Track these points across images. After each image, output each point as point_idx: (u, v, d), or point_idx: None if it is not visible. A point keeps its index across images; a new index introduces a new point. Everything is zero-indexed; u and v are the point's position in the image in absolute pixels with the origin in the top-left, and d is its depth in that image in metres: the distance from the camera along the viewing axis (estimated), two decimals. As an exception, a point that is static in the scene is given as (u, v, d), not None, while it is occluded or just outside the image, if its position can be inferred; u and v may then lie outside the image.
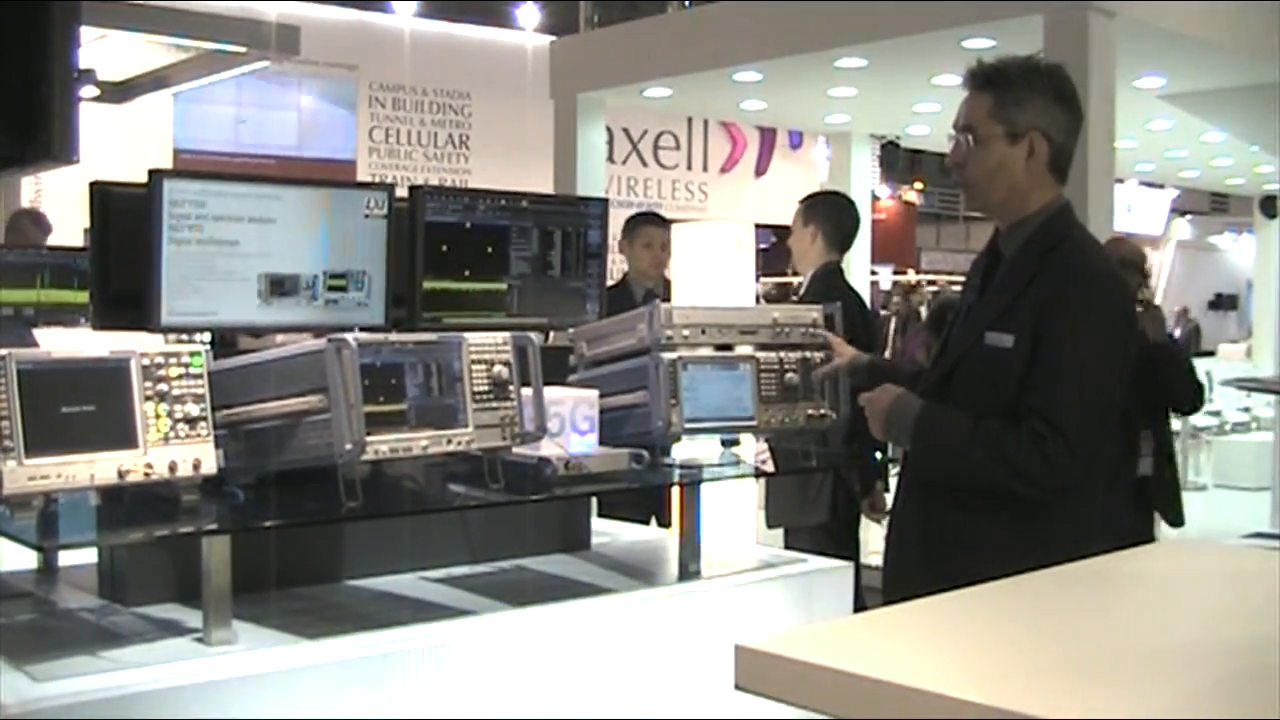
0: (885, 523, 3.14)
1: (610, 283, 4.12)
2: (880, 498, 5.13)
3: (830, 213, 5.12)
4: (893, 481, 4.20)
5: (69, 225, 7.27)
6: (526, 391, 2.77)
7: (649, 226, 5.89)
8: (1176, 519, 5.50)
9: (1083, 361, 2.62)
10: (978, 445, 2.64)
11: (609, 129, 13.07)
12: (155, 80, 11.75)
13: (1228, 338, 21.86)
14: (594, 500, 3.64)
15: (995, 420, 2.63)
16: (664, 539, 3.72)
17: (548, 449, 2.88)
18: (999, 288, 2.77)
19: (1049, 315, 2.63)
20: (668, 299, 6.18)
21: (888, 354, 10.74)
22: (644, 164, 19.43)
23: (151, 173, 2.82)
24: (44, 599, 2.88)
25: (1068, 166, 2.80)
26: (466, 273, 3.34)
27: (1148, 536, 5.06)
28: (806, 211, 5.12)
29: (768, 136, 20.06)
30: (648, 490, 4.38)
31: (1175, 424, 10.77)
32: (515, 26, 18.39)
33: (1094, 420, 2.66)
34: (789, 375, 3.24)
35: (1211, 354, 17.72)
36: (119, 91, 11.73)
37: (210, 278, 2.88)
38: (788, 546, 4.69)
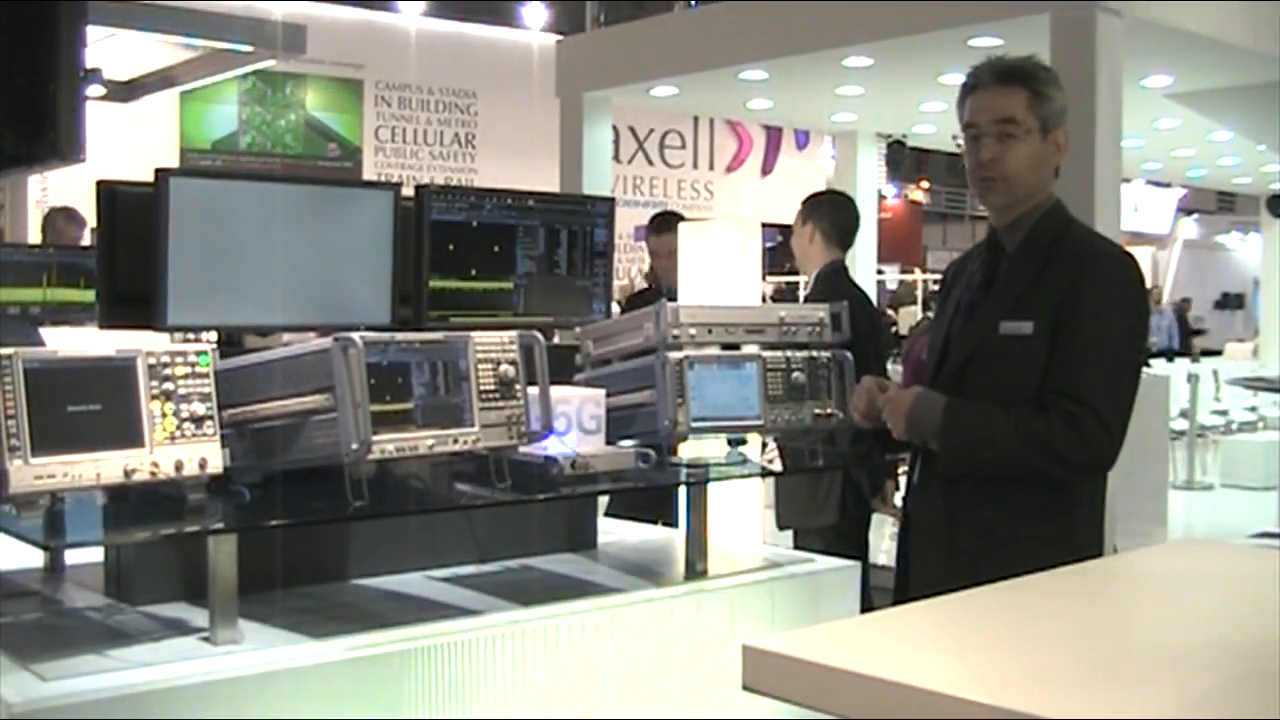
0: (895, 522, 3.13)
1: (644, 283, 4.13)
2: (890, 494, 5.12)
3: (827, 211, 5.13)
4: (901, 479, 4.20)
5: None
6: (533, 390, 2.76)
7: (681, 224, 5.88)
8: None
9: (1108, 340, 2.66)
10: (1011, 434, 2.65)
11: (615, 128, 13.09)
12: (162, 79, 11.78)
13: (1234, 337, 21.84)
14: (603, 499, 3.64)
15: (1023, 407, 2.64)
16: (671, 538, 3.71)
17: (554, 448, 2.87)
18: (1008, 279, 2.79)
19: (1070, 297, 2.66)
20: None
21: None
22: (650, 163, 19.47)
23: (158, 172, 2.82)
24: (50, 598, 2.88)
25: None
26: (473, 272, 3.34)
27: None
28: (805, 211, 5.14)
29: (774, 135, 20.08)
30: (658, 490, 4.38)
31: (1180, 423, 10.79)
32: (521, 26, 18.41)
33: (1124, 397, 2.68)
34: (795, 374, 3.23)
35: (1218, 353, 17.71)
36: (126, 90, 11.76)
37: (217, 277, 2.88)
38: (796, 547, 4.68)
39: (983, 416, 2.71)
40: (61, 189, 11.68)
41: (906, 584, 2.92)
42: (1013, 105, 2.79)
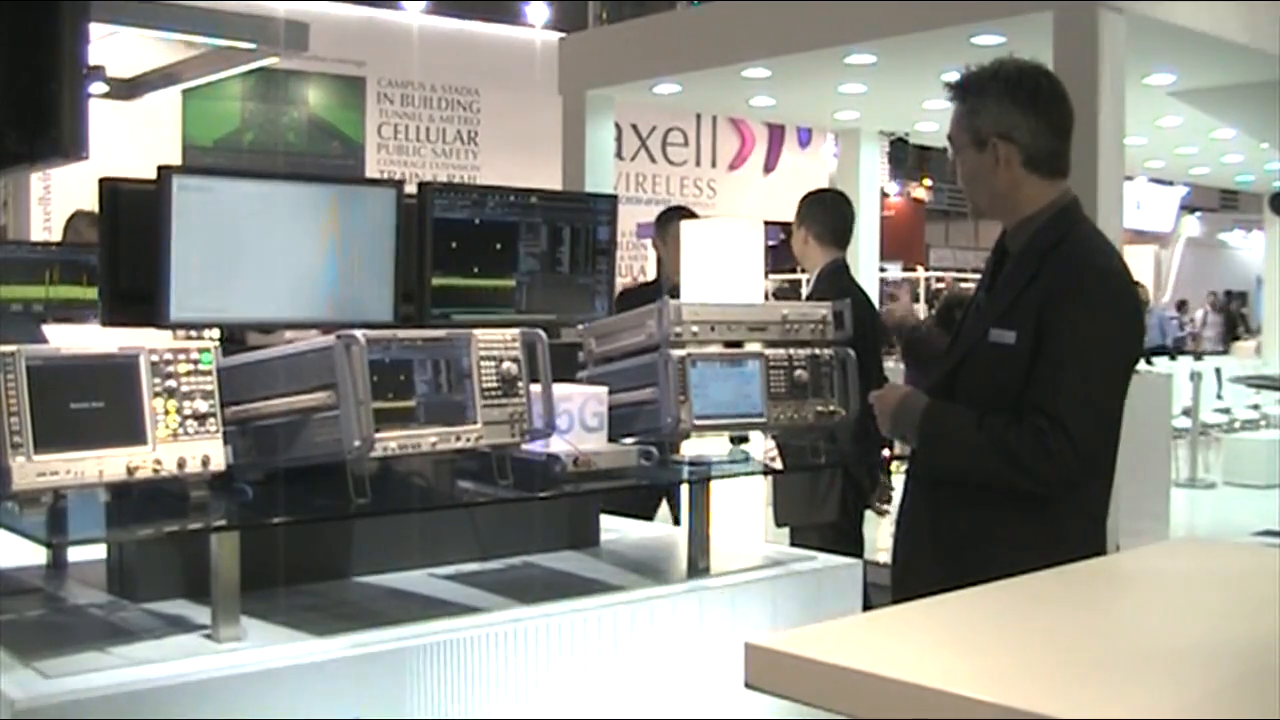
0: (893, 519, 3.14)
1: (646, 279, 4.13)
2: (885, 492, 5.13)
3: (816, 212, 5.15)
4: (898, 479, 4.21)
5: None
6: (535, 388, 2.76)
7: (684, 222, 5.91)
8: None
9: (1085, 355, 2.63)
10: (981, 441, 2.65)
11: (618, 125, 13.07)
12: (164, 77, 11.77)
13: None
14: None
15: (999, 415, 2.63)
16: (673, 536, 3.71)
17: (556, 446, 2.87)
18: (1004, 285, 2.78)
19: (1051, 310, 2.64)
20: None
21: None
22: (653, 160, 19.43)
23: (160, 169, 2.82)
24: (53, 595, 2.88)
25: (1057, 163, 2.79)
26: (475, 269, 3.34)
27: None
28: (799, 213, 5.19)
29: (776, 133, 20.04)
30: (647, 487, 4.39)
31: (1183, 421, 10.79)
32: (524, 23, 18.39)
33: (1099, 414, 2.66)
34: (798, 372, 3.23)
35: (1220, 351, 17.69)
36: (128, 88, 11.75)
37: (219, 274, 2.88)
38: (793, 544, 4.68)
39: (957, 422, 2.72)
40: (64, 187, 11.69)
41: (893, 581, 2.94)
42: (952, 123, 2.84)
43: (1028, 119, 2.75)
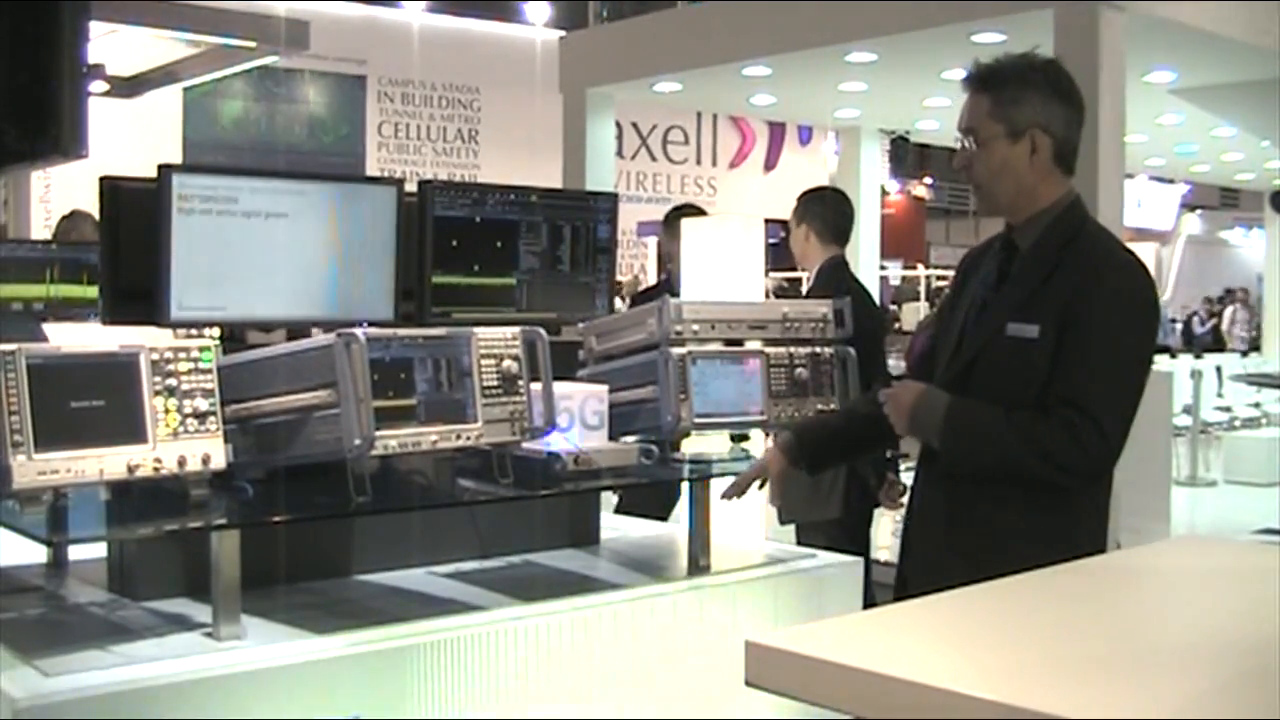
0: (899, 517, 3.13)
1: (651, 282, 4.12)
2: (895, 488, 5.12)
3: (818, 209, 5.13)
4: (905, 475, 4.20)
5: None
6: (536, 386, 2.76)
7: (684, 220, 5.90)
8: None
9: (1112, 348, 2.63)
10: (1011, 436, 2.64)
11: (618, 123, 13.08)
12: (165, 75, 11.76)
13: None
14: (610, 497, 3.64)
15: (1025, 410, 2.63)
16: (673, 535, 3.71)
17: (557, 444, 2.87)
18: (1017, 280, 2.77)
19: (1076, 304, 2.64)
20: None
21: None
22: (653, 158, 19.45)
23: (161, 167, 2.82)
24: (53, 593, 2.88)
25: (1074, 159, 2.80)
26: (475, 267, 3.34)
27: None
28: (798, 210, 5.16)
29: (777, 131, 20.05)
30: (664, 486, 4.39)
31: (1183, 419, 10.79)
32: (524, 21, 18.40)
33: (1126, 406, 2.66)
34: (798, 370, 3.23)
35: (1221, 349, 17.69)
36: (128, 86, 11.74)
37: (219, 272, 2.88)
38: (799, 542, 4.68)
39: (984, 418, 2.70)
40: (64, 185, 11.68)
41: (906, 579, 2.92)
42: (974, 114, 2.77)
43: (1065, 111, 2.75)
